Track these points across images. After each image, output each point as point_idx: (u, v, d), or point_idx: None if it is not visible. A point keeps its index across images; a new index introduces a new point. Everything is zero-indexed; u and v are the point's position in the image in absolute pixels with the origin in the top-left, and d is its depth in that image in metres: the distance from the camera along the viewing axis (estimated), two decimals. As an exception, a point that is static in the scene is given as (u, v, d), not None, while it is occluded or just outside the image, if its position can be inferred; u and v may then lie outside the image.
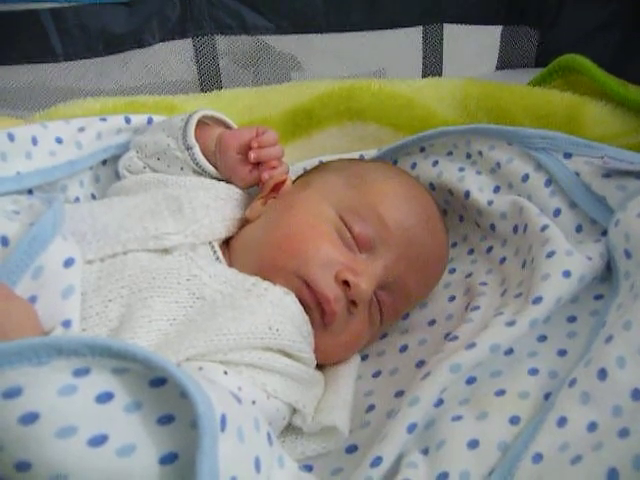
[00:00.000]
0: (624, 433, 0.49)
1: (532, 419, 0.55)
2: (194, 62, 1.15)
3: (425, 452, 0.54)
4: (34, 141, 0.72)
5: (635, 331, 0.55)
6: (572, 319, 0.65)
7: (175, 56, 1.14)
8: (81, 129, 0.78)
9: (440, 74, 1.24)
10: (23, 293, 0.48)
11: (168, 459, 0.38)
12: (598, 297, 0.66)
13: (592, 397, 0.53)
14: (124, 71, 1.11)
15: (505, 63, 1.29)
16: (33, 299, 0.49)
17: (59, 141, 0.75)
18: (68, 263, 0.52)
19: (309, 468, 0.59)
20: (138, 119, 0.84)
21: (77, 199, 0.79)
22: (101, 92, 1.06)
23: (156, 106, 0.94)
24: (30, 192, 0.71)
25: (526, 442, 0.52)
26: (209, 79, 1.17)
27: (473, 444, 0.53)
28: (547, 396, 0.57)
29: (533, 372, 0.59)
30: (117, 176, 0.82)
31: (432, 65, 1.24)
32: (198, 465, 0.36)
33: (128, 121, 0.83)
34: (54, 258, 0.51)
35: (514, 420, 0.55)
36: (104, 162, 0.83)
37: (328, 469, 0.58)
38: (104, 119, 0.81)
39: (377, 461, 0.52)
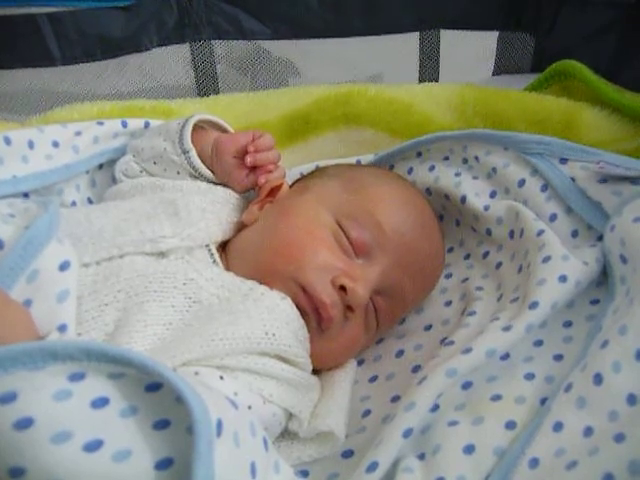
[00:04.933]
0: (620, 438, 0.49)
1: (528, 424, 0.55)
2: (191, 67, 1.15)
3: (421, 457, 0.54)
4: (30, 145, 0.72)
5: (631, 336, 0.56)
6: (568, 324, 0.65)
7: (172, 61, 1.14)
8: (78, 133, 0.78)
9: (437, 79, 1.24)
10: (18, 297, 0.48)
11: (164, 464, 0.38)
12: (594, 302, 0.66)
13: (588, 402, 0.53)
14: (121, 75, 1.11)
15: (501, 69, 1.29)
16: (28, 303, 0.48)
17: (55, 145, 0.75)
18: (64, 267, 0.52)
19: (305, 473, 0.59)
20: (135, 123, 0.84)
21: (73, 203, 0.79)
22: (98, 96, 1.06)
23: (153, 110, 0.94)
24: (26, 195, 0.71)
25: (522, 447, 0.52)
26: (206, 84, 1.17)
27: (469, 449, 0.53)
28: (543, 401, 0.57)
29: (529, 377, 0.59)
30: (114, 180, 0.81)
31: (429, 70, 1.24)
32: (194, 470, 0.36)
33: (125, 125, 0.83)
34: (49, 262, 0.51)
35: (510, 425, 0.55)
36: (100, 166, 0.83)
37: (324, 474, 0.58)
38: (101, 123, 0.81)
39: (373, 466, 0.52)
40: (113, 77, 1.10)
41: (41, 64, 1.03)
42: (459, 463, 0.52)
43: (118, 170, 0.80)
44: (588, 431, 0.52)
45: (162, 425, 0.39)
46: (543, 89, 1.02)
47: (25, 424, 0.36)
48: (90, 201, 0.82)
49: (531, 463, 0.51)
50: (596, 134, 0.85)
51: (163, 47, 1.11)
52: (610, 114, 0.87)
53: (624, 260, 0.64)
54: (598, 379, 0.54)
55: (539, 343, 0.63)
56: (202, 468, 0.36)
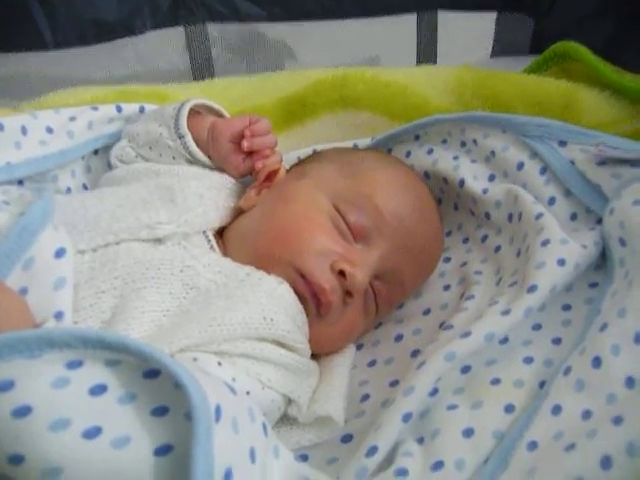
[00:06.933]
0: (618, 420, 0.50)
1: (527, 407, 0.55)
2: (186, 50, 1.14)
3: (420, 441, 0.55)
4: (24, 131, 0.71)
5: (630, 319, 0.56)
6: (567, 307, 0.65)
7: (167, 44, 1.12)
8: (72, 118, 0.77)
9: (434, 61, 1.23)
10: (14, 285, 0.47)
11: (163, 450, 0.38)
12: (593, 285, 0.66)
13: (587, 385, 0.54)
14: (115, 60, 1.09)
15: (500, 50, 1.28)
16: (24, 291, 0.48)
17: (49, 131, 0.74)
18: (59, 254, 0.51)
19: (304, 458, 0.59)
20: (130, 108, 0.83)
21: (68, 189, 0.78)
22: (92, 81, 1.04)
23: (148, 95, 0.93)
24: (20, 183, 0.70)
25: (521, 430, 0.52)
26: (201, 67, 1.16)
27: (468, 433, 0.54)
28: (542, 384, 0.57)
29: (528, 361, 0.59)
30: (109, 166, 0.81)
31: (426, 52, 1.23)
32: (193, 456, 0.36)
33: (120, 110, 0.82)
34: (45, 249, 0.50)
35: (509, 408, 0.55)
36: (96, 152, 0.82)
37: (323, 458, 0.58)
38: (95, 108, 0.80)
39: (372, 450, 0.52)
40: (107, 61, 1.08)
41: (33, 48, 1.02)
42: (458, 447, 0.53)
43: (113, 156, 0.79)
44: (586, 414, 0.52)
45: (161, 412, 0.39)
46: (542, 71, 1.01)
47: (23, 412, 0.36)
48: (85, 187, 0.81)
49: (530, 446, 0.51)
50: (596, 116, 0.85)
51: (157, 30, 1.10)
52: (610, 96, 0.86)
53: (623, 243, 0.64)
54: (597, 362, 0.54)
55: (538, 327, 0.63)
56: (201, 454, 0.36)
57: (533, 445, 0.51)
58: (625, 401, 0.51)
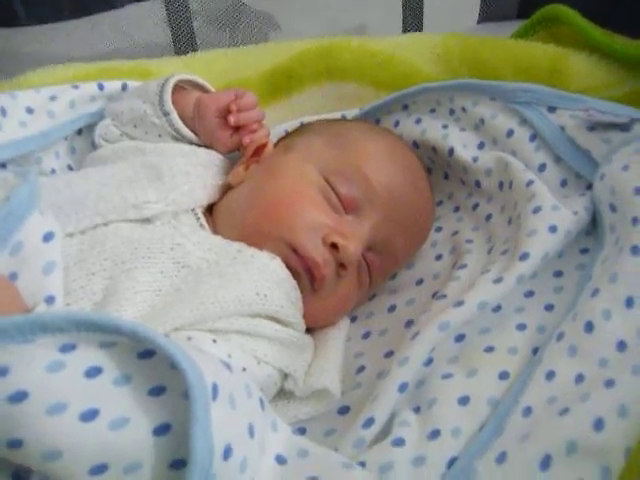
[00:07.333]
0: (610, 384, 0.50)
1: (521, 374, 0.55)
2: (167, 23, 1.11)
3: (417, 411, 0.55)
4: (3, 112, 0.69)
5: (620, 284, 0.56)
6: (558, 274, 0.65)
7: (147, 17, 1.09)
8: (53, 98, 0.76)
9: (421, 29, 1.21)
10: (2, 271, 0.46)
11: (161, 430, 0.38)
12: (584, 251, 0.66)
13: (579, 350, 0.54)
14: (95, 35, 1.06)
15: (487, 16, 1.26)
16: (13, 276, 0.47)
17: (29, 111, 0.72)
18: (47, 238, 0.50)
19: (302, 430, 0.59)
20: (112, 85, 0.81)
21: (53, 171, 0.77)
22: (72, 58, 1.02)
23: (130, 71, 0.91)
24: (3, 166, 0.69)
25: (515, 396, 0.53)
26: (183, 41, 1.13)
27: (464, 401, 0.54)
28: (535, 351, 0.57)
29: (521, 328, 0.60)
30: (93, 146, 0.79)
31: (412, 20, 1.21)
32: (192, 435, 0.36)
33: (101, 88, 0.80)
34: (33, 233, 0.49)
35: (503, 375, 0.56)
36: (79, 132, 0.81)
37: (321, 431, 0.59)
38: (76, 86, 0.79)
39: (369, 422, 0.53)
40: (86, 37, 1.05)
41: (6, 25, 0.98)
42: (454, 414, 0.53)
43: (97, 135, 0.77)
44: (579, 378, 0.53)
45: (157, 392, 0.39)
46: (529, 36, 1.00)
47: (19, 397, 0.35)
48: (70, 168, 0.80)
49: (524, 412, 0.52)
50: (585, 80, 0.84)
51: (137, 4, 1.07)
52: (599, 60, 0.85)
53: (613, 209, 0.64)
54: (589, 327, 0.55)
55: (530, 294, 0.63)
56: (200, 432, 0.36)
57: (528, 411, 0.52)
58: (617, 364, 0.52)
